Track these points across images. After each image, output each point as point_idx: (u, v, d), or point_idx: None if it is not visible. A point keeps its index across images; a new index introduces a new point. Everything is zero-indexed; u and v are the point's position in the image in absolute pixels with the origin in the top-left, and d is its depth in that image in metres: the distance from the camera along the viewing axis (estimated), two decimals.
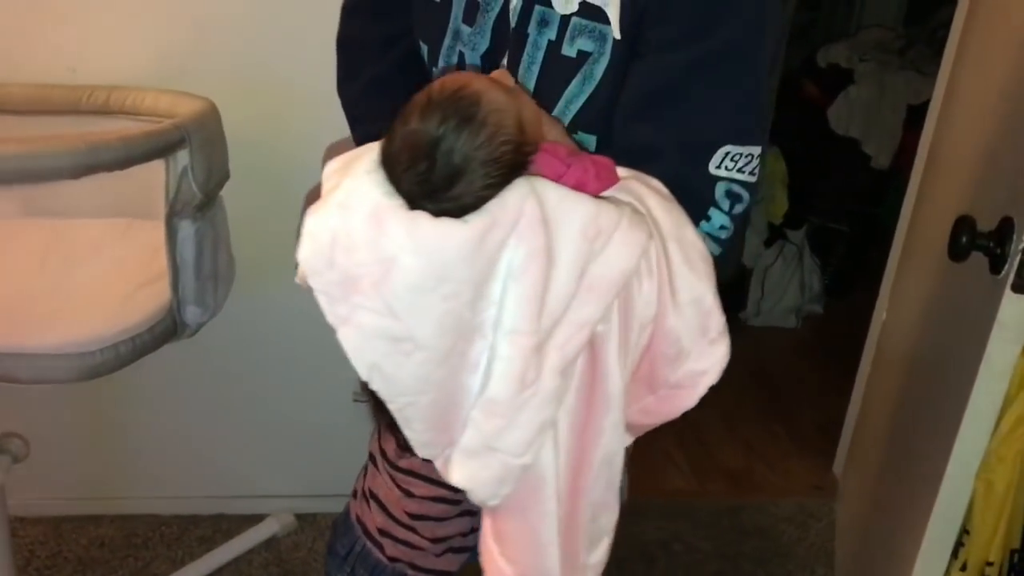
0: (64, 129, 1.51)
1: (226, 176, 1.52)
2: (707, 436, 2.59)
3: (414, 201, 0.81)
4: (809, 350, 3.18)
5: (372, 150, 0.85)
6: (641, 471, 2.32)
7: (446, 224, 0.79)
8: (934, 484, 1.27)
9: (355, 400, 1.93)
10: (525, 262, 0.82)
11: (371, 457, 1.32)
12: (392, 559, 1.27)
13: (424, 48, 1.08)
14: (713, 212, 0.98)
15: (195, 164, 1.35)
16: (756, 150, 0.97)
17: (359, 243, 0.81)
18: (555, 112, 1.01)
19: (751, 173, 0.97)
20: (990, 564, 1.25)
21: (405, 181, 0.81)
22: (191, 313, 1.44)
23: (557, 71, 1.00)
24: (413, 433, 0.88)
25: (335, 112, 1.21)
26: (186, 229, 1.40)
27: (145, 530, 2.08)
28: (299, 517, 2.13)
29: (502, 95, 0.84)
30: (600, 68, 0.98)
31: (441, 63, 1.06)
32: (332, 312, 0.83)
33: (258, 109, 1.73)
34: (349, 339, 0.83)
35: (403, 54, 1.11)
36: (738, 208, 0.98)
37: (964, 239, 1.18)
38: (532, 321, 0.82)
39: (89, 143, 1.21)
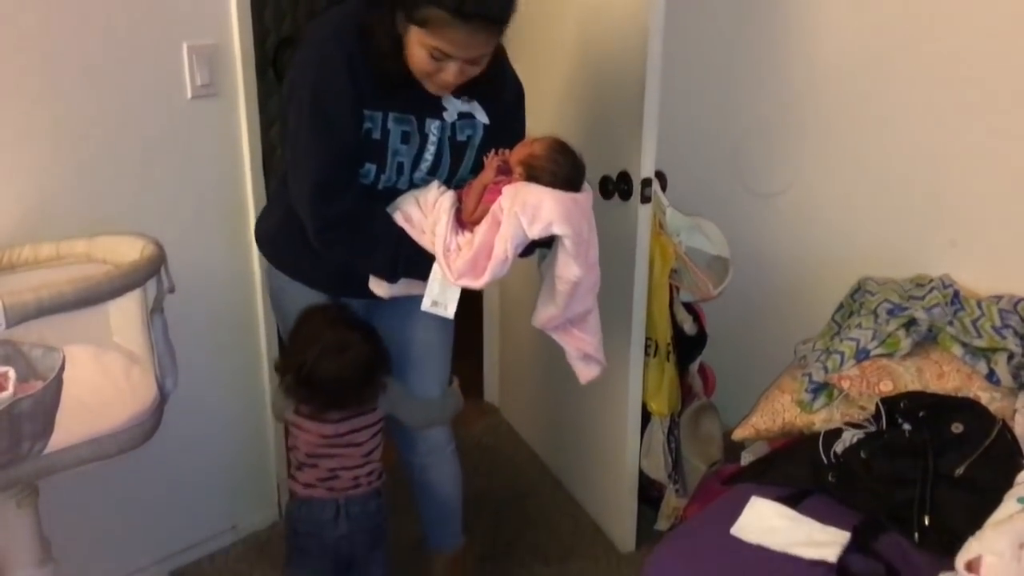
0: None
1: None
2: None
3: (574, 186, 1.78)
4: None
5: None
6: None
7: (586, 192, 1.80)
8: (625, 322, 2.36)
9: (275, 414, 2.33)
10: None
11: (311, 456, 1.98)
12: (373, 483, 2.01)
13: (372, 167, 1.83)
14: None
15: (167, 268, 1.86)
16: None
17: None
18: (462, 167, 1.91)
19: None
20: (669, 344, 2.40)
21: (577, 175, 1.80)
22: (169, 383, 1.92)
23: (459, 148, 1.90)
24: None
25: None
26: (158, 320, 1.89)
27: None
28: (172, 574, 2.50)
29: None
30: (477, 140, 1.91)
31: (387, 171, 1.85)
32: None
33: None
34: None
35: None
36: None
37: (609, 187, 2.29)
38: None
39: (126, 268, 1.72)
